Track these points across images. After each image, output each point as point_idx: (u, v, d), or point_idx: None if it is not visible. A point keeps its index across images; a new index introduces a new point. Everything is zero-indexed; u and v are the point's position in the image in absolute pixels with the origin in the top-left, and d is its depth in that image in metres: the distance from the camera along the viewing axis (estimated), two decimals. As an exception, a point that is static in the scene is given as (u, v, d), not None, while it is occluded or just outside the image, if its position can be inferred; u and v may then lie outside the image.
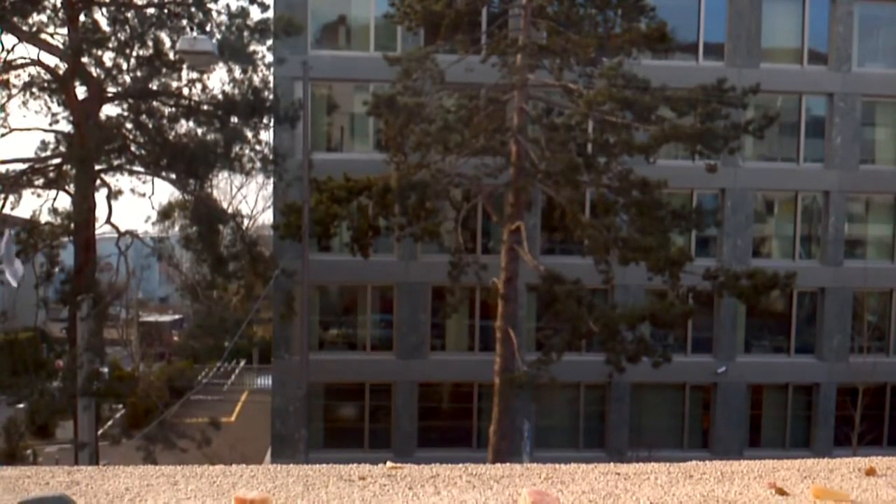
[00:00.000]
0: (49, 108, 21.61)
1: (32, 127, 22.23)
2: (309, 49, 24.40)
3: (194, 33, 19.53)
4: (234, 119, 20.93)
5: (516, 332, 20.44)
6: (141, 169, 21.65)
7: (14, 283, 14.89)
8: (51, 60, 21.01)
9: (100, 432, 22.83)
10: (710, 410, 27.03)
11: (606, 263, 19.18)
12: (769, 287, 19.62)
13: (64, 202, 21.60)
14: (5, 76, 20.93)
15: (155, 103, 21.16)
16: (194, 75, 20.81)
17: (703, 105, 18.50)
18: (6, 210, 20.84)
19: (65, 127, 21.56)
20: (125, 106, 21.35)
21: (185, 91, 21.21)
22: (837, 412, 26.60)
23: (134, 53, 20.49)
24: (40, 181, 21.20)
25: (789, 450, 26.35)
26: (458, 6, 20.05)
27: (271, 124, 22.10)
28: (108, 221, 21.75)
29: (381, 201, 20.02)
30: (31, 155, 21.33)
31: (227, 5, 20.75)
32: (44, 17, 20.24)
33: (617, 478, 1.96)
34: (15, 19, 19.54)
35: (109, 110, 21.59)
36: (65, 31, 20.36)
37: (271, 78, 22.22)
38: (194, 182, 21.25)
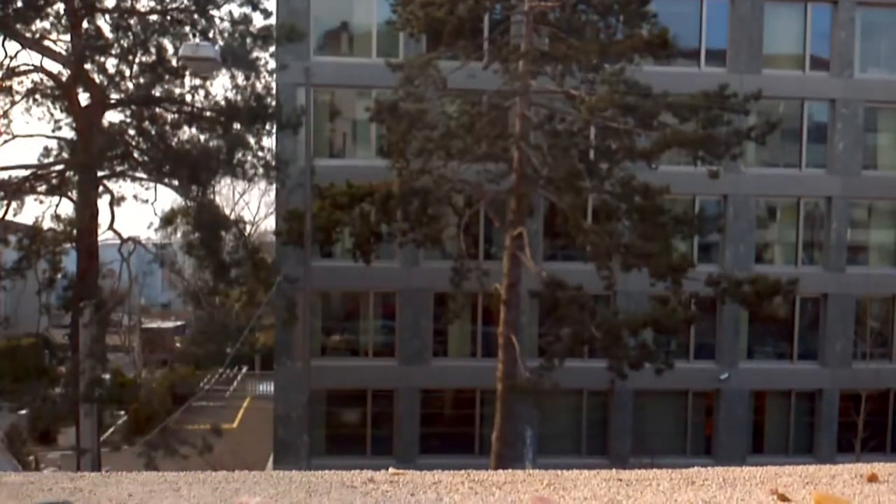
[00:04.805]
0: (52, 114, 21.67)
1: (35, 133, 22.26)
2: (311, 55, 24.46)
3: (197, 40, 19.56)
4: (237, 125, 20.96)
5: (518, 339, 20.42)
6: (143, 175, 21.67)
7: None
8: (54, 67, 21.07)
9: (102, 438, 22.81)
10: (713, 417, 26.99)
11: (608, 269, 19.15)
12: (772, 293, 19.59)
13: (66, 208, 21.69)
14: (8, 82, 20.98)
15: (158, 110, 21.19)
16: (197, 82, 20.85)
17: (705, 111, 18.49)
18: (9, 216, 20.89)
19: (67, 133, 21.61)
20: (128, 112, 21.38)
21: (188, 97, 21.24)
22: (840, 418, 26.54)
23: (137, 60, 20.53)
24: (43, 187, 21.23)
25: (792, 456, 26.28)
26: (460, 13, 20.07)
27: (274, 131, 22.12)
28: (110, 228, 21.76)
29: (384, 207, 20.05)
30: (34, 161, 21.37)
31: (230, 12, 20.72)
32: (47, 24, 20.29)
33: (619, 484, 1.96)
34: (18, 26, 19.61)
35: (112, 117, 21.47)
36: (68, 37, 20.41)
37: (274, 84, 22.27)
38: (197, 188, 21.28)
